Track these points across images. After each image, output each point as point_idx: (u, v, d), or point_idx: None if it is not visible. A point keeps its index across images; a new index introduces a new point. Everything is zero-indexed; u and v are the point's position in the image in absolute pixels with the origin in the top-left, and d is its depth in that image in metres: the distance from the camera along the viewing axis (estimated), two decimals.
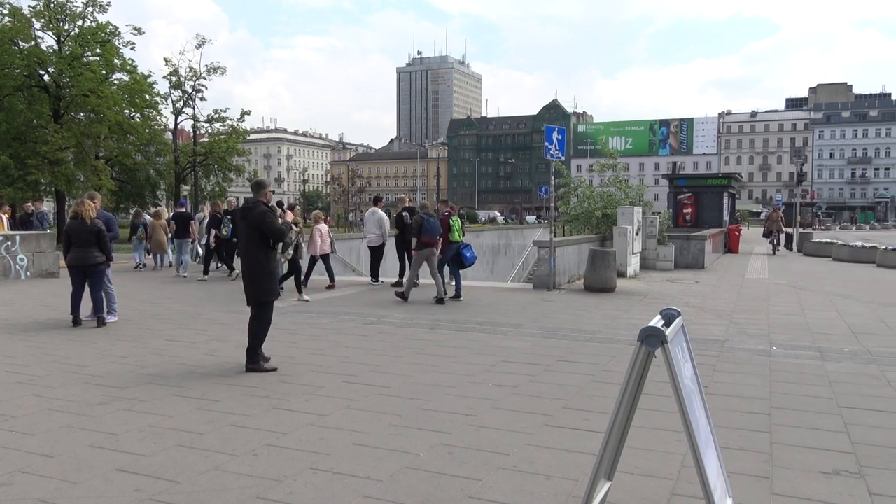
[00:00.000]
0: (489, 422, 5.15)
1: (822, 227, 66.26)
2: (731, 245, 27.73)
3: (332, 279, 14.01)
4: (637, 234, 17.10)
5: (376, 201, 15.85)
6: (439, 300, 11.70)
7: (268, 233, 6.83)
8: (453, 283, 12.70)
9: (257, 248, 6.80)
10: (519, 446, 4.60)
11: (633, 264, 16.90)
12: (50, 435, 4.81)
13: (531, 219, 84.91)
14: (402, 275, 14.57)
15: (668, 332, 2.73)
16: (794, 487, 3.94)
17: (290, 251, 11.88)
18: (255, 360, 6.77)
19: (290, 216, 12.19)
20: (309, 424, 5.06)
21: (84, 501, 3.73)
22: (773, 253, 26.46)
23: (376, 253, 14.95)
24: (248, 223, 6.81)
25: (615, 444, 3.03)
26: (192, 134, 42.28)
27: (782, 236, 28.65)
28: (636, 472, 4.12)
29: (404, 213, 14.65)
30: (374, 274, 15.03)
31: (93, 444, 4.61)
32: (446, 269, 12.74)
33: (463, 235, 12.79)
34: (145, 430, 4.90)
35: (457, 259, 12.45)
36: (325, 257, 13.84)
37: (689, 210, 29.60)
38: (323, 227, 14.00)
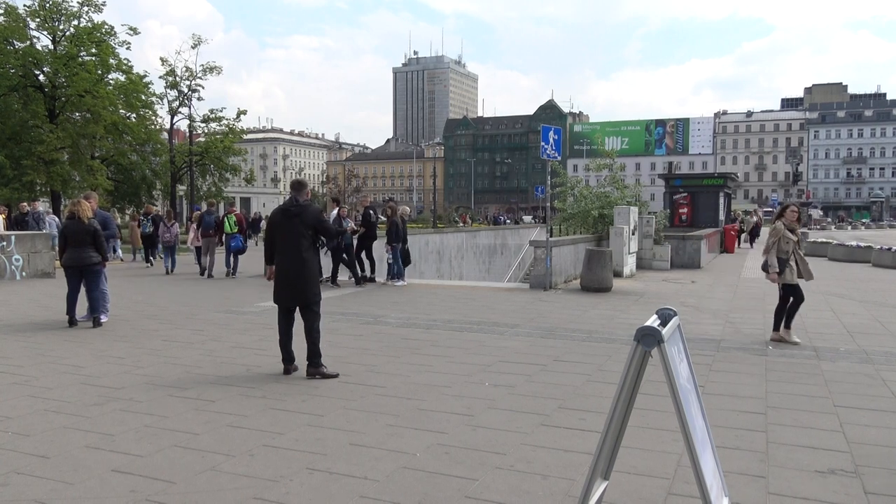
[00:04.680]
0: (486, 421, 5.15)
1: (818, 227, 66.52)
2: (726, 245, 27.82)
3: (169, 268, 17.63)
4: (633, 233, 17.12)
5: (337, 202, 16.54)
6: (205, 276, 16.43)
7: (324, 233, 6.71)
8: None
9: (309, 249, 6.54)
10: (515, 446, 4.60)
11: (630, 264, 16.92)
12: (46, 436, 4.80)
13: (527, 219, 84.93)
14: (363, 270, 15.09)
15: (665, 331, 2.73)
16: (790, 486, 3.95)
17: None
18: (318, 364, 6.51)
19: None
20: (305, 425, 5.06)
21: (80, 502, 3.72)
22: (751, 245, 31.27)
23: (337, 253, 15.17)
24: (303, 223, 6.51)
25: (612, 444, 3.04)
26: (188, 134, 42.19)
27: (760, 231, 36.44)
28: (633, 471, 4.12)
29: (370, 212, 15.20)
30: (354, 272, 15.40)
31: (89, 445, 4.59)
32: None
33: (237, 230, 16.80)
34: (141, 431, 4.89)
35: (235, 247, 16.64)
36: (197, 249, 17.70)
37: (685, 210, 29.69)
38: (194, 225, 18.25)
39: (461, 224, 62.27)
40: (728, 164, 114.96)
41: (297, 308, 6.65)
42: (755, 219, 38.19)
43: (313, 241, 6.63)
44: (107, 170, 34.37)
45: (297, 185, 6.85)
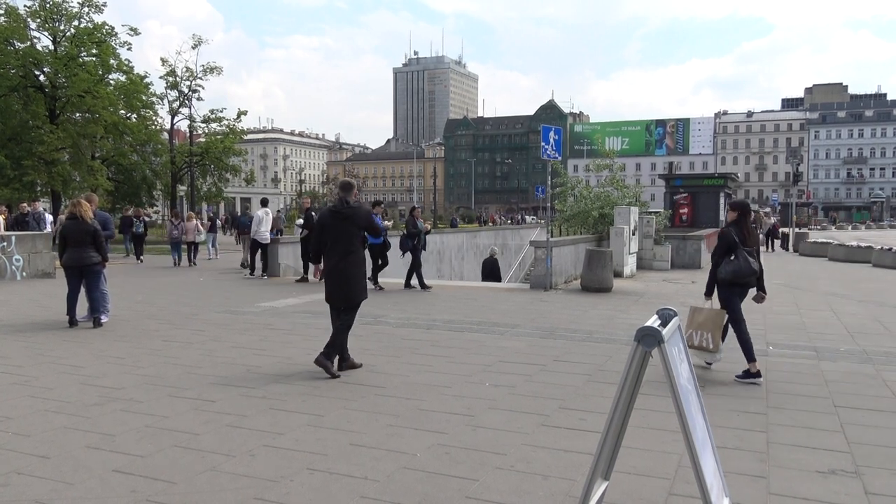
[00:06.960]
0: (486, 422, 5.14)
1: (819, 227, 66.52)
2: None
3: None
4: (634, 234, 17.12)
5: (265, 203, 17.85)
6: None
7: (373, 233, 6.83)
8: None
9: (359, 250, 6.61)
10: (516, 446, 4.60)
11: (630, 264, 16.91)
12: (46, 436, 4.80)
13: (528, 219, 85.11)
14: (305, 270, 15.70)
15: (665, 331, 2.73)
16: (790, 487, 3.94)
17: None
18: (330, 356, 6.49)
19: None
20: (305, 425, 5.06)
21: (81, 502, 3.71)
22: (772, 249, 30.30)
23: (264, 247, 16.84)
24: (355, 224, 6.54)
25: (612, 444, 3.03)
26: (188, 134, 42.21)
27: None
28: (633, 471, 4.12)
29: (311, 213, 15.77)
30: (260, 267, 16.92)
31: (89, 445, 4.59)
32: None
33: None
34: (142, 431, 4.89)
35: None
36: (191, 244, 20.60)
37: (685, 210, 29.67)
38: (192, 223, 20.82)
39: (490, 223, 63.65)
40: (728, 165, 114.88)
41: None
42: (774, 220, 36.08)
43: (363, 242, 6.75)
44: (107, 170, 34.41)
45: (346, 186, 6.79)
